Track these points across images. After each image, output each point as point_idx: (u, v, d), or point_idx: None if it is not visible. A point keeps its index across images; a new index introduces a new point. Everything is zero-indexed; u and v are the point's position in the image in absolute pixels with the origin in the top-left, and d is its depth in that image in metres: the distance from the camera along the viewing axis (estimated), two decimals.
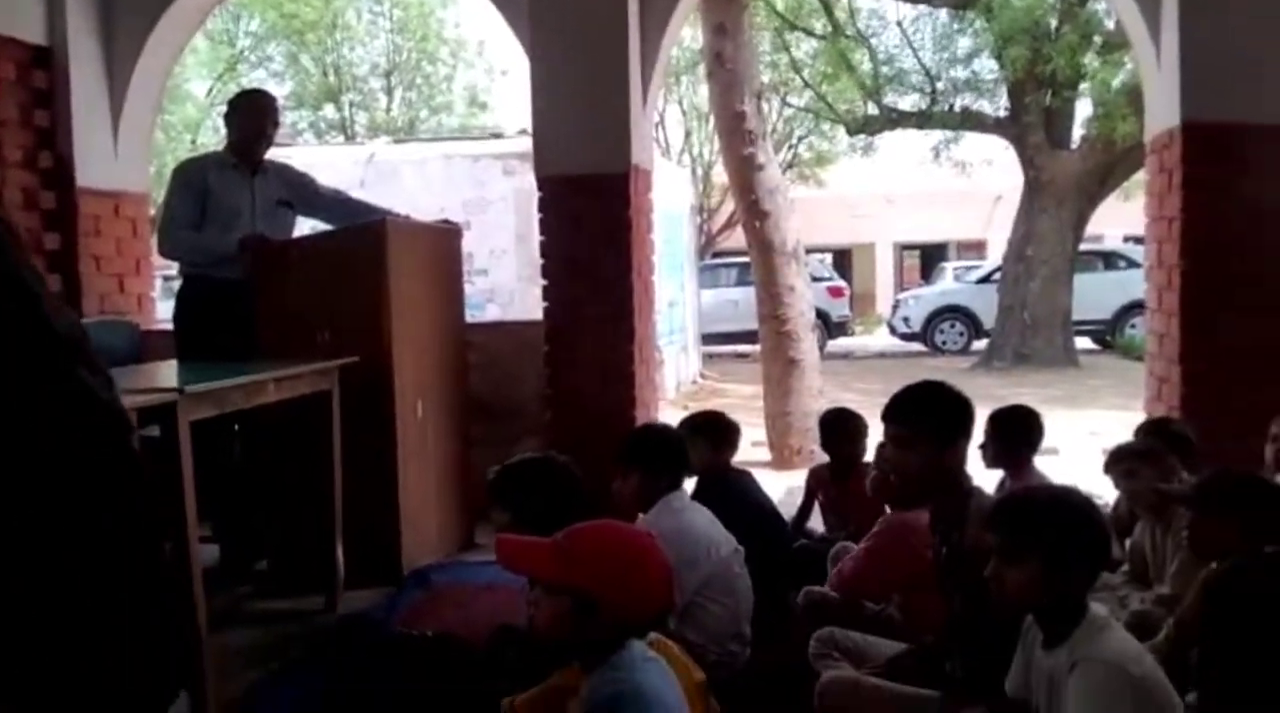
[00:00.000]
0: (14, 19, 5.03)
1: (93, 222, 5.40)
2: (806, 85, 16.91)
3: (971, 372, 13.30)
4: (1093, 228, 15.47)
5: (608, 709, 1.78)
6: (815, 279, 14.73)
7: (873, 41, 15.99)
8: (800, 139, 20.79)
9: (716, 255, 20.32)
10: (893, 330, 18.77)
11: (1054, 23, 13.71)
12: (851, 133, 16.38)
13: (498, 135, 11.18)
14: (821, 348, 9.90)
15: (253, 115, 4.54)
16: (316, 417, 3.92)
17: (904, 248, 28.15)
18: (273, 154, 4.76)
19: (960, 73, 15.96)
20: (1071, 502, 2.12)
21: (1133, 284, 13.60)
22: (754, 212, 7.04)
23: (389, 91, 24.33)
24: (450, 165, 9.79)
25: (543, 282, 4.95)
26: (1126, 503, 3.58)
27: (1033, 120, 14.19)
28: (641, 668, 1.86)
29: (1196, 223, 4.34)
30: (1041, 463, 3.90)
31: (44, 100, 5.21)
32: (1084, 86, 13.98)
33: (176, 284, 4.63)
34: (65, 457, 1.05)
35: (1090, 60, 13.47)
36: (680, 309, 12.98)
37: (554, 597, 1.88)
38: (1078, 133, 14.70)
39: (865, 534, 3.30)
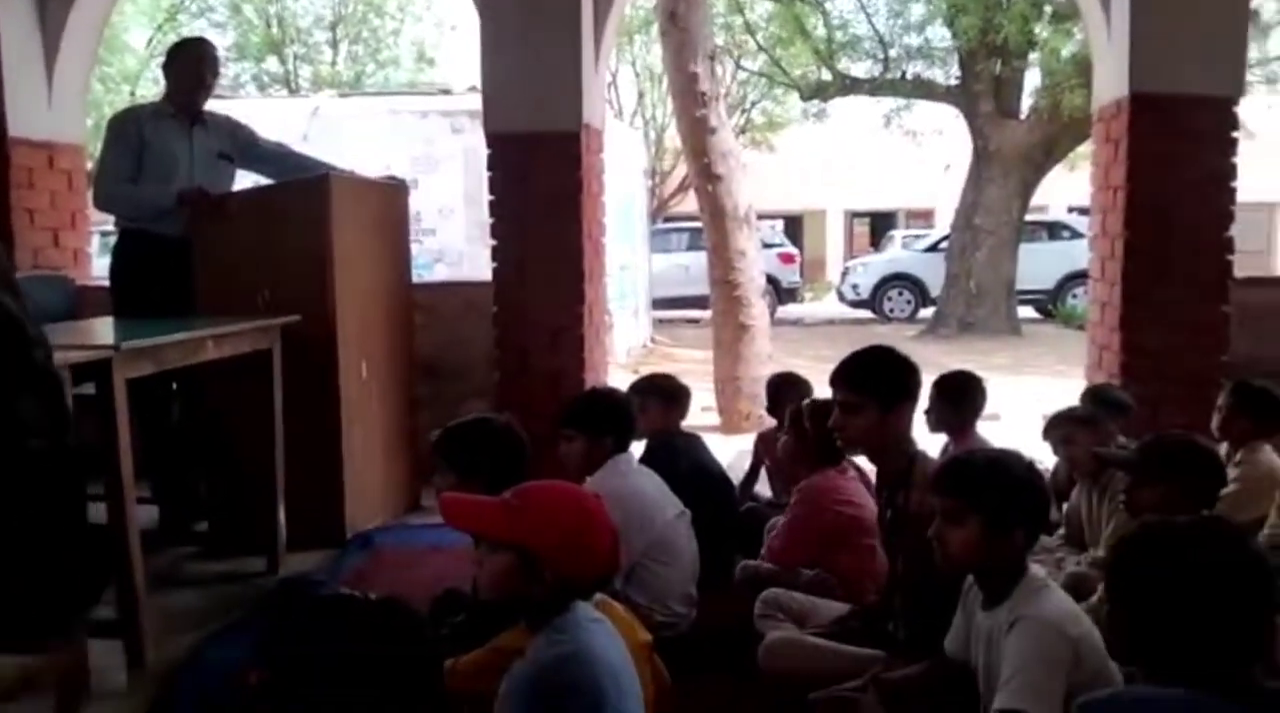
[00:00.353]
0: None
1: (25, 173, 5.21)
2: (760, 49, 16.83)
3: (918, 339, 13.46)
4: (1038, 198, 15.66)
5: (553, 671, 1.77)
6: (766, 245, 14.75)
7: (827, 6, 15.96)
8: (753, 103, 20.73)
9: (668, 220, 20.25)
10: (842, 297, 18.90)
11: None
12: (805, 98, 16.36)
13: (446, 92, 10.96)
14: (772, 314, 9.93)
15: (191, 64, 4.39)
16: (258, 376, 3.84)
17: (854, 215, 28.30)
18: (214, 106, 4.62)
19: (913, 40, 16.01)
20: (1012, 465, 2.16)
21: (1076, 254, 13.85)
22: (706, 175, 7.01)
23: (334, 45, 23.80)
24: (397, 122, 9.60)
25: (491, 242, 4.88)
26: (1065, 468, 3.66)
27: (983, 89, 14.28)
28: (588, 629, 1.85)
29: (1141, 193, 4.40)
30: (984, 428, 3.97)
31: None
32: (1034, 56, 14.09)
33: (114, 239, 4.49)
34: None
35: (1041, 30, 13.56)
36: (631, 273, 12.94)
37: (498, 554, 1.86)
38: (1027, 103, 14.82)
39: None
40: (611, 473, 3.10)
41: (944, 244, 15.89)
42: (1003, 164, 14.15)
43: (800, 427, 3.38)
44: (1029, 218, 15.34)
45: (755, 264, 7.26)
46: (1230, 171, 4.39)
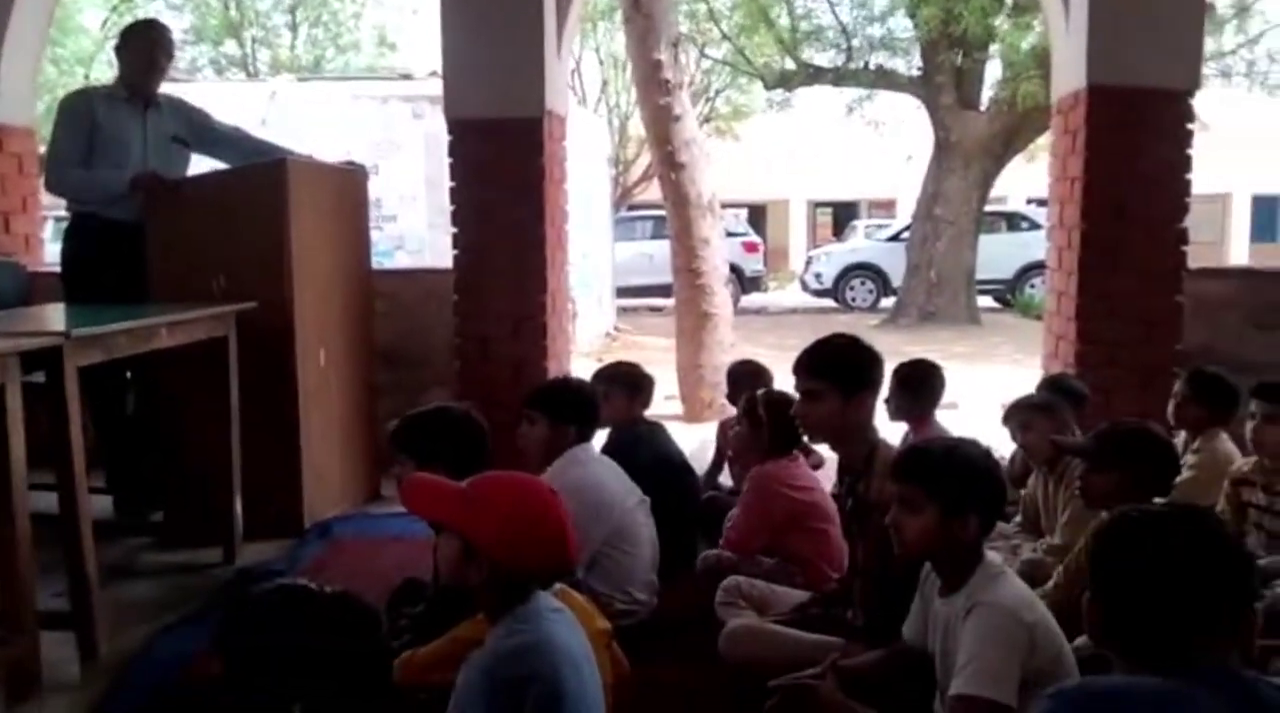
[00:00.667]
0: None
1: None
2: (725, 37, 16.83)
3: (879, 328, 13.57)
4: (998, 189, 15.83)
5: (512, 660, 1.76)
6: (730, 234, 14.82)
7: None
8: (718, 92, 20.72)
9: (632, 208, 20.22)
10: (805, 286, 19.00)
11: None
12: (768, 87, 16.38)
13: (407, 77, 10.86)
14: (735, 303, 9.98)
15: (143, 46, 4.32)
16: (213, 364, 3.79)
17: (817, 205, 28.43)
18: (170, 90, 4.54)
19: (875, 30, 16.08)
20: (969, 453, 2.17)
21: (1034, 245, 13.99)
22: (670, 163, 7.00)
23: (293, 28, 23.47)
24: (357, 107, 9.50)
25: (453, 229, 4.84)
26: (1021, 455, 3.70)
27: (944, 81, 14.38)
28: (548, 619, 1.85)
29: (1098, 184, 4.44)
30: (943, 417, 4.00)
31: None
32: (994, 48, 14.21)
33: (67, 224, 4.40)
34: None
35: (1001, 22, 13.68)
36: (595, 261, 12.91)
37: (451, 540, 1.86)
38: (987, 95, 14.96)
39: None
40: (570, 463, 3.10)
41: (905, 234, 16.02)
42: (963, 155, 14.28)
43: (754, 416, 3.40)
44: (988, 209, 15.52)
45: (719, 253, 7.27)
46: (1185, 163, 4.45)
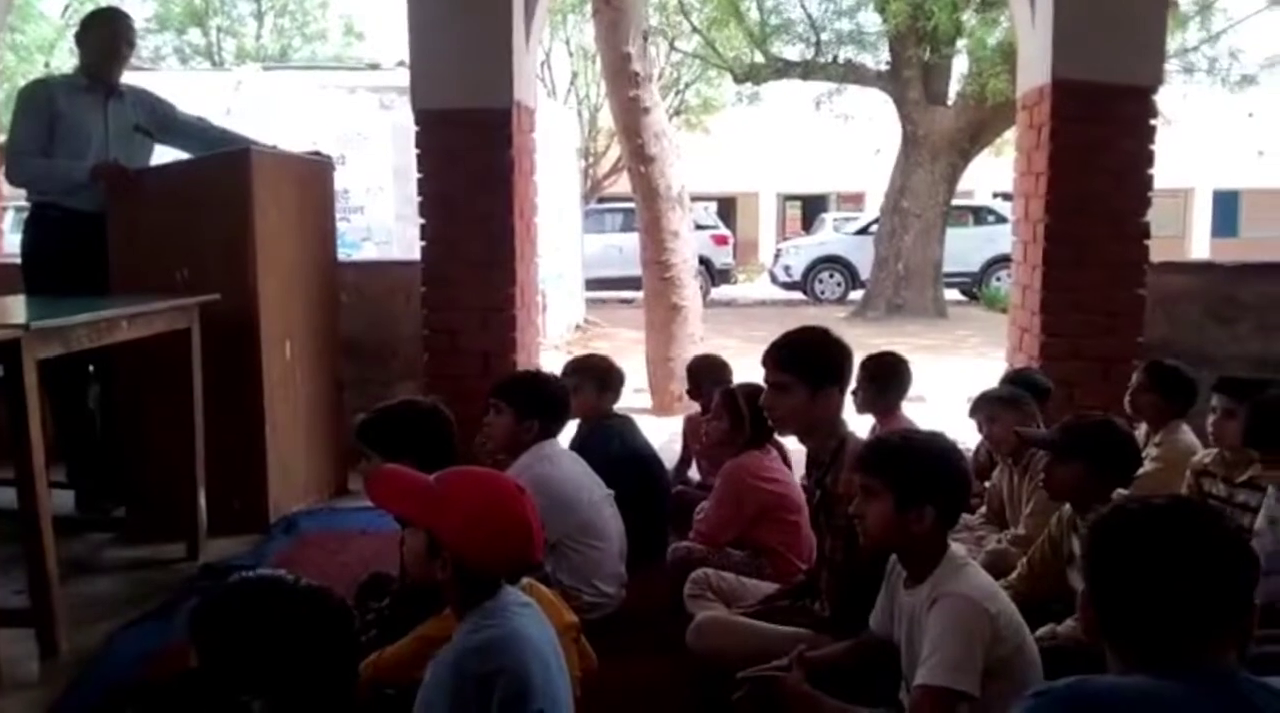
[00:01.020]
0: None
1: None
2: (694, 30, 16.82)
3: (847, 321, 13.63)
4: (964, 184, 15.95)
5: (479, 654, 1.76)
6: (699, 227, 14.81)
7: None
8: (687, 85, 20.72)
9: (602, 200, 20.19)
10: (774, 279, 19.06)
11: None
12: (738, 81, 16.39)
13: (375, 67, 10.78)
14: (705, 295, 9.97)
15: (105, 35, 4.26)
16: (176, 357, 3.75)
17: (786, 198, 28.52)
18: (133, 79, 4.48)
19: (844, 25, 16.14)
20: (926, 443, 2.19)
21: (1000, 239, 14.16)
22: (639, 156, 6.98)
23: (259, 17, 23.19)
24: (324, 97, 9.41)
25: (420, 221, 4.80)
26: (986, 447, 3.73)
27: (912, 75, 14.46)
28: (516, 614, 1.84)
29: (1062, 179, 4.49)
30: (910, 409, 4.04)
31: None
32: (961, 43, 14.30)
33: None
34: None
35: (969, 18, 13.77)
36: (565, 254, 12.88)
37: (416, 534, 1.85)
38: (954, 90, 15.06)
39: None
40: (534, 458, 3.10)
41: (874, 228, 16.11)
42: (930, 149, 14.36)
43: (735, 409, 3.40)
44: (955, 203, 15.62)
45: (688, 246, 7.26)
46: (1148, 159, 4.50)
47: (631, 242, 10.34)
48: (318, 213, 4.61)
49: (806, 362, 2.60)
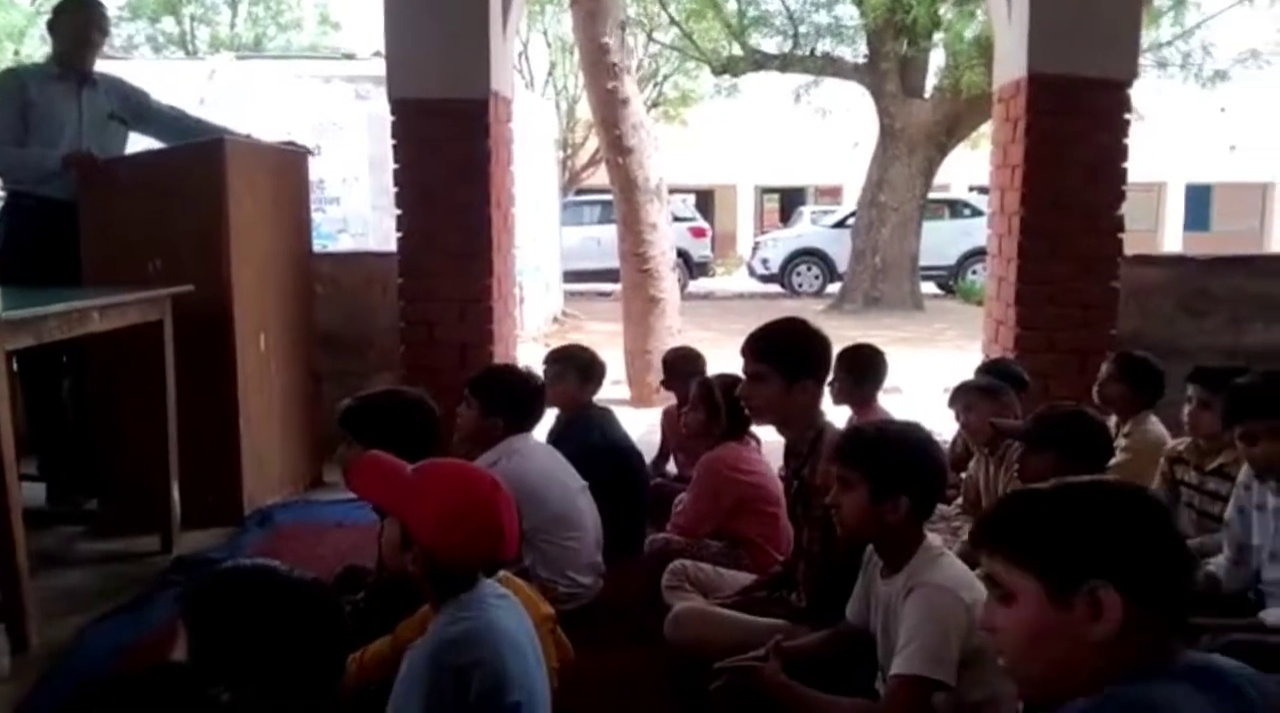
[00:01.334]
0: None
1: None
2: (672, 21, 16.78)
3: (825, 314, 13.68)
4: (941, 177, 16.02)
5: (455, 647, 1.75)
6: (677, 219, 14.83)
7: None
8: (665, 77, 20.69)
9: (580, 192, 20.14)
10: (752, 272, 19.09)
11: None
12: (716, 73, 16.38)
13: (350, 56, 10.69)
14: (683, 288, 9.98)
15: (76, 23, 4.23)
16: (149, 348, 3.71)
17: (764, 191, 28.56)
18: (105, 68, 4.43)
19: (822, 18, 16.15)
20: (901, 434, 2.20)
21: (976, 232, 14.23)
22: (617, 147, 6.97)
23: (233, 5, 22.95)
24: (299, 86, 9.32)
25: (397, 211, 4.77)
26: (964, 438, 3.76)
27: (889, 68, 14.50)
28: (493, 606, 1.83)
29: (1038, 172, 4.52)
30: (886, 401, 4.05)
31: None
32: (938, 37, 14.35)
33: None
34: None
35: (946, 11, 13.82)
36: (542, 245, 12.85)
37: (392, 524, 1.84)
38: (931, 83, 15.11)
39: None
40: (501, 453, 3.09)
41: (851, 220, 16.16)
42: (908, 142, 14.42)
43: (711, 400, 3.41)
44: (932, 196, 15.70)
45: (666, 238, 7.26)
46: (1122, 152, 4.54)
47: (609, 233, 10.35)
48: (293, 203, 4.58)
49: (783, 352, 2.60)
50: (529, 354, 5.44)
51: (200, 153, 4.02)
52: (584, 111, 16.77)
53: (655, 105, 19.53)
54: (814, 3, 16.11)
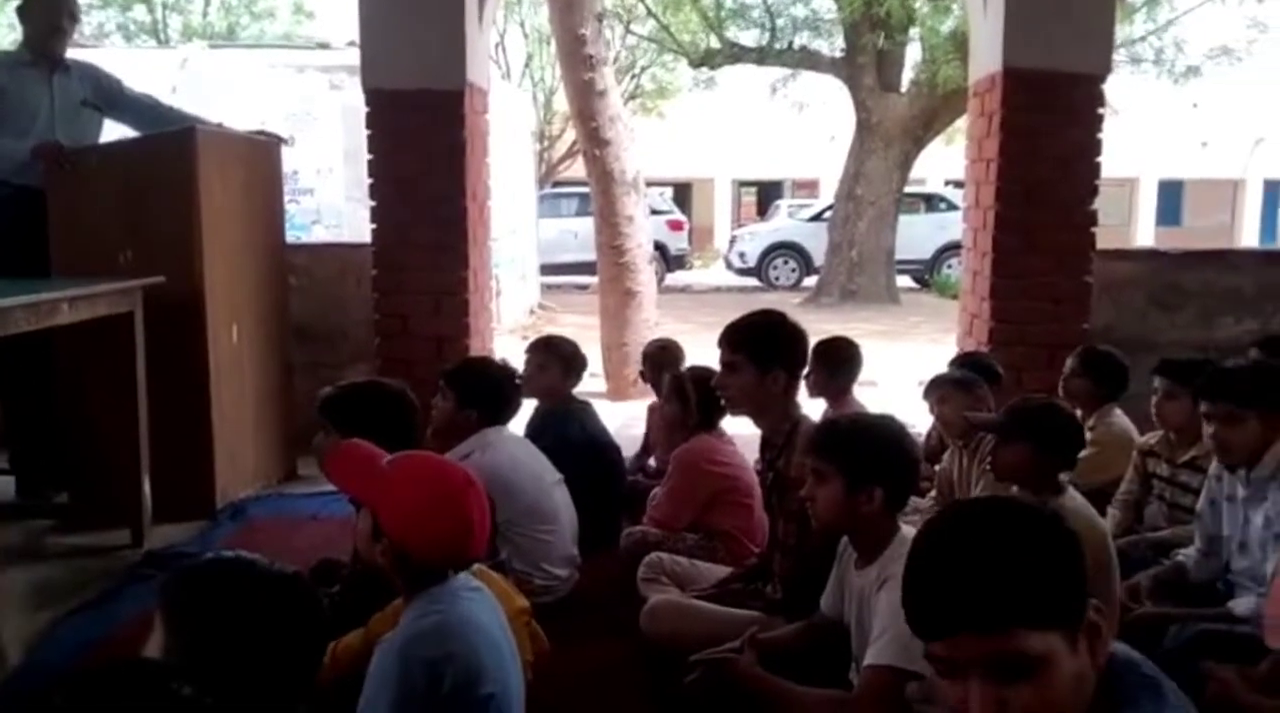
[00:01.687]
0: None
1: None
2: (649, 13, 16.75)
3: (802, 307, 13.71)
4: (917, 171, 16.09)
5: (426, 640, 1.74)
6: (655, 212, 14.80)
7: None
8: (643, 69, 20.66)
9: (557, 184, 20.08)
10: (729, 265, 19.12)
11: None
12: (693, 65, 16.38)
13: (324, 46, 10.58)
14: (660, 280, 9.96)
15: (46, 9, 4.18)
16: (120, 340, 3.67)
17: (742, 184, 28.58)
18: (76, 56, 4.37)
19: (799, 11, 16.17)
20: (876, 427, 2.22)
21: (951, 226, 14.30)
22: (594, 139, 6.95)
23: None
24: (273, 76, 9.23)
25: (371, 203, 4.74)
26: (938, 431, 3.78)
27: (866, 62, 14.54)
28: (465, 599, 1.83)
29: (1012, 166, 4.54)
30: (861, 394, 4.07)
31: None
32: (915, 31, 14.40)
33: None
34: None
35: (922, 5, 13.87)
36: (519, 237, 12.80)
37: (366, 516, 1.82)
38: (907, 77, 15.17)
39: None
40: (474, 445, 3.08)
41: (828, 214, 16.20)
42: (884, 136, 14.47)
43: (683, 393, 3.43)
44: (908, 190, 15.77)
45: (643, 230, 7.25)
46: (1096, 147, 4.56)
47: (587, 226, 10.31)
48: (266, 193, 4.53)
49: (756, 343, 2.62)
50: (505, 347, 5.41)
51: (172, 142, 3.97)
52: (561, 103, 16.73)
53: (633, 97, 19.53)
54: None
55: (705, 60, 15.82)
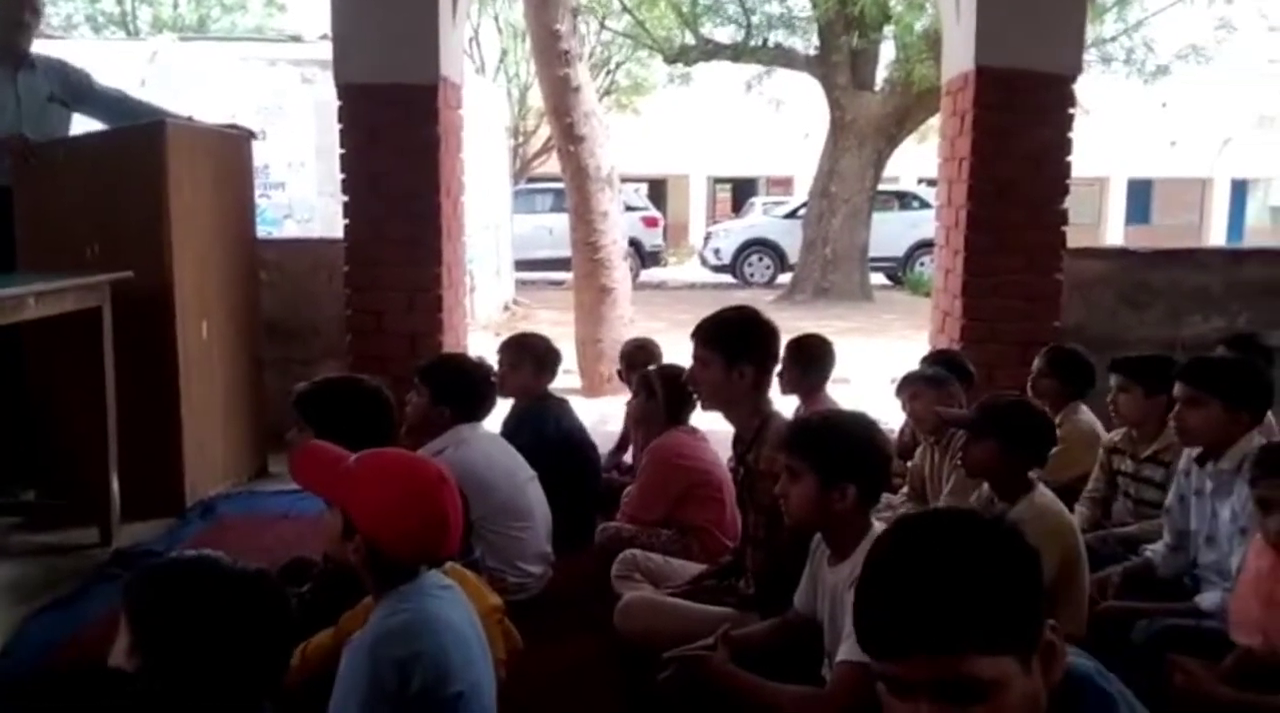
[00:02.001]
0: None
1: None
2: (624, 9, 16.72)
3: (776, 304, 13.75)
4: (890, 169, 16.16)
5: (395, 639, 1.73)
6: (630, 208, 14.81)
7: None
8: (618, 65, 20.61)
9: (532, 180, 20.01)
10: (704, 262, 19.14)
11: None
12: (668, 61, 16.37)
13: (296, 39, 10.49)
14: (635, 277, 9.97)
15: (7, 3, 4.11)
16: (88, 336, 3.62)
17: (717, 181, 28.61)
18: (44, 48, 4.31)
19: (774, 8, 16.20)
20: (849, 424, 2.23)
21: (924, 224, 14.38)
22: (569, 135, 6.94)
23: None
24: (244, 69, 9.13)
25: (344, 198, 4.70)
26: (910, 428, 3.80)
27: (840, 60, 14.59)
28: (434, 597, 1.82)
29: (984, 165, 4.57)
30: (834, 391, 4.09)
31: None
32: (889, 29, 14.46)
33: None
34: None
35: (896, 4, 13.93)
36: (494, 233, 12.75)
37: (334, 514, 1.81)
38: (881, 76, 15.23)
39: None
40: (447, 441, 3.06)
41: (802, 211, 16.25)
42: (858, 134, 14.52)
43: (651, 390, 3.45)
44: (882, 188, 15.83)
45: (617, 227, 7.25)
46: (1067, 146, 4.60)
47: (561, 222, 10.29)
48: (236, 187, 4.49)
49: (723, 337, 2.64)
50: (479, 344, 5.39)
51: (140, 135, 3.93)
52: (536, 99, 16.65)
53: (608, 93, 19.48)
54: None
55: (680, 57, 15.82)
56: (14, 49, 4.09)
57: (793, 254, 16.39)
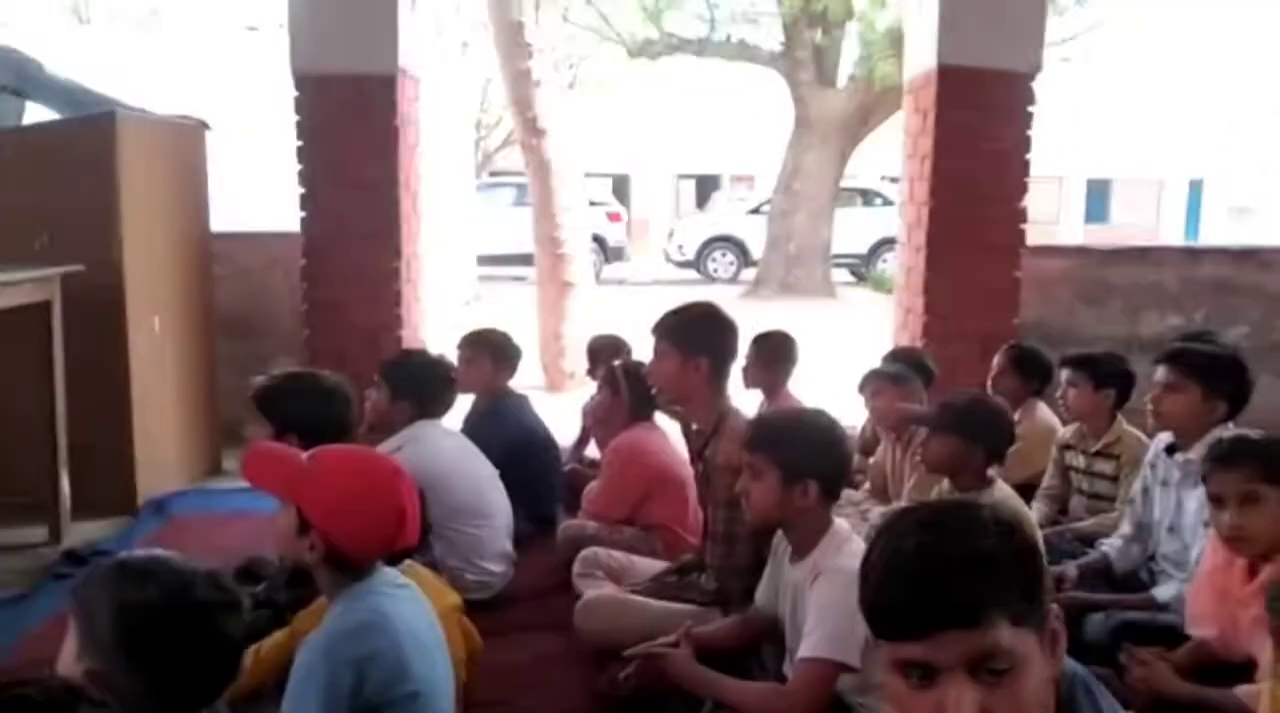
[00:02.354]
0: None
1: None
2: (588, 2, 16.66)
3: (740, 300, 13.78)
4: (853, 166, 16.25)
5: (350, 638, 1.69)
6: (593, 203, 14.75)
7: None
8: (581, 59, 20.53)
9: (494, 174, 19.89)
10: (667, 258, 19.13)
11: None
12: (631, 55, 16.34)
13: (252, 29, 10.35)
14: (598, 272, 9.95)
15: None
16: (36, 330, 3.54)
17: (680, 177, 28.62)
18: None
19: (739, 4, 16.22)
20: (810, 422, 2.23)
21: (887, 221, 14.49)
22: (532, 129, 6.89)
23: None
24: (199, 59, 8.99)
25: (300, 190, 4.62)
26: (872, 425, 3.82)
27: (804, 57, 14.65)
28: (389, 596, 1.79)
29: (945, 162, 4.60)
30: (796, 387, 4.09)
31: None
32: (852, 27, 14.54)
33: None
34: None
35: (860, 1, 14.00)
36: (455, 228, 12.64)
37: (287, 512, 1.77)
38: (845, 73, 15.31)
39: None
40: (404, 439, 3.02)
41: (766, 207, 16.29)
42: (821, 131, 14.59)
43: (615, 386, 3.43)
44: (845, 184, 15.92)
45: (581, 222, 7.21)
46: (1026, 144, 4.65)
47: (524, 217, 10.22)
48: (190, 179, 4.42)
49: (678, 331, 2.66)
50: (439, 339, 5.31)
51: (90, 125, 3.85)
52: (498, 91, 16.55)
53: (571, 87, 19.40)
54: None
55: (643, 51, 15.81)
56: None
57: (756, 250, 16.43)
